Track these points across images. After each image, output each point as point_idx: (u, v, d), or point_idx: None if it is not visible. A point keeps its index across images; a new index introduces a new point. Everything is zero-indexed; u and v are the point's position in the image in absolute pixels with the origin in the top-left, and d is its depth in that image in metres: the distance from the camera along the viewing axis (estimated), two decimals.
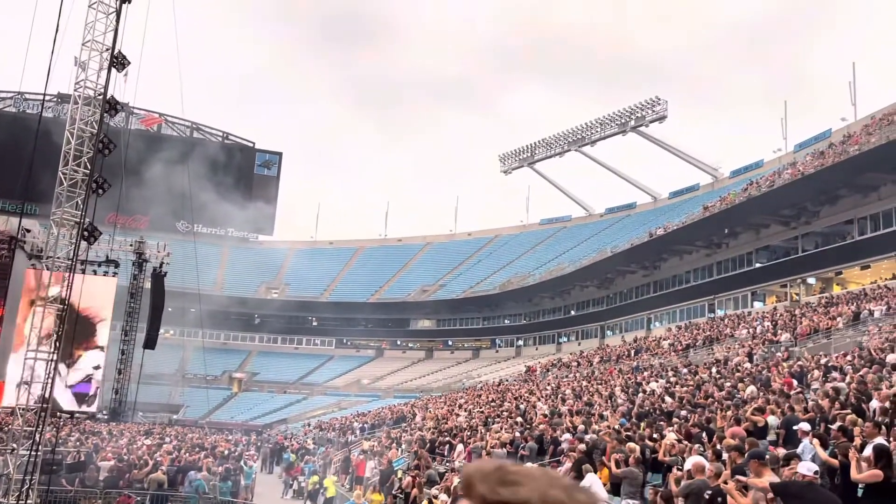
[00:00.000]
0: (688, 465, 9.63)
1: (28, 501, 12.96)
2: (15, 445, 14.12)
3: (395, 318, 72.01)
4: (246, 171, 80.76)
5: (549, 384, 33.57)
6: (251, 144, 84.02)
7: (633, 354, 36.14)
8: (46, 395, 14.54)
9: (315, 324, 73.88)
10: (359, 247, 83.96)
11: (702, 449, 11.54)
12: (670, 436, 13.15)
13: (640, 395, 20.72)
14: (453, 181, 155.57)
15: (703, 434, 13.09)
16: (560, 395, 26.49)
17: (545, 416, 21.02)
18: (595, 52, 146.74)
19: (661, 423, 14.97)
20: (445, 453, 21.75)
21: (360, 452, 25.94)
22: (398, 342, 73.39)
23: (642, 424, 15.38)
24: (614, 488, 12.34)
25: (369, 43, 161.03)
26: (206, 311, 57.94)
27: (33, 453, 13.43)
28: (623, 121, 68.35)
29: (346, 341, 74.10)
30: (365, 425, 36.01)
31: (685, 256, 47.89)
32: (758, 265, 42.66)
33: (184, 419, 52.88)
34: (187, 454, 22.59)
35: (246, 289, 72.88)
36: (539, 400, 26.56)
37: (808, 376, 16.86)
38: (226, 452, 24.99)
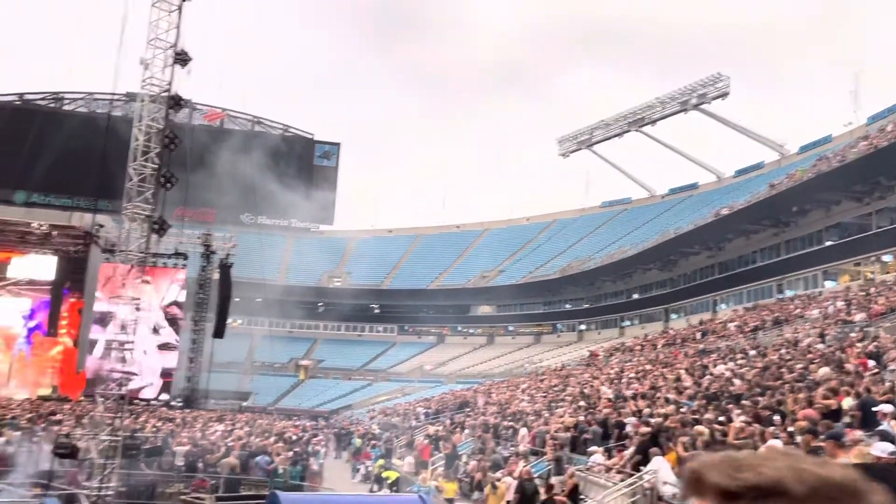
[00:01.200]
0: (761, 448, 9.44)
1: (110, 484, 13.52)
2: (97, 431, 14.73)
3: (456, 305, 72.26)
4: (306, 163, 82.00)
5: (612, 368, 33.26)
6: (310, 136, 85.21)
7: (699, 337, 35.48)
8: (124, 384, 15.12)
9: (377, 311, 74.73)
10: (418, 234, 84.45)
11: (776, 432, 11.29)
12: (739, 419, 12.90)
13: (707, 377, 20.34)
14: (511, 166, 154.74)
15: (775, 417, 12.79)
16: (624, 379, 26.22)
17: (609, 400, 20.86)
18: (653, 29, 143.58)
19: (729, 406, 14.68)
20: (509, 437, 21.83)
21: (425, 437, 26.21)
22: (459, 328, 73.67)
23: (710, 407, 15.12)
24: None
25: (423, 32, 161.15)
26: (271, 300, 59.32)
27: (114, 439, 13.99)
28: (684, 99, 66.78)
29: (408, 328, 74.76)
30: (428, 410, 36.35)
31: (752, 236, 46.61)
32: (828, 243, 41.22)
33: (253, 406, 54.33)
34: (257, 439, 23.21)
35: (309, 278, 74.15)
36: (602, 384, 26.36)
37: (885, 357, 16.26)
38: (294, 438, 25.60)
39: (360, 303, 72.44)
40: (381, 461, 24.76)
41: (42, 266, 45.23)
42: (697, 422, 13.37)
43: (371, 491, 22.14)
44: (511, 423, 23.02)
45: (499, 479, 14.99)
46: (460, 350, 68.68)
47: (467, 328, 73.62)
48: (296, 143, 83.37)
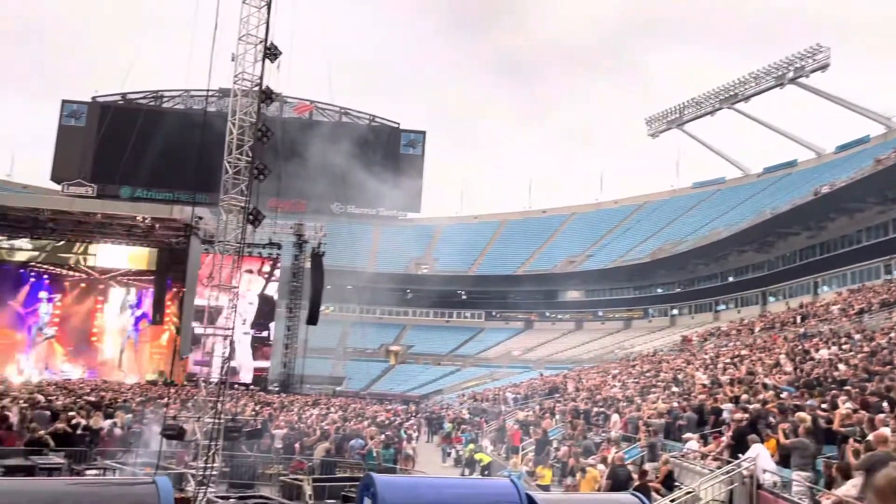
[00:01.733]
0: (870, 436, 8.99)
1: (214, 465, 14.13)
2: (200, 414, 15.41)
3: (543, 290, 71.82)
4: (392, 152, 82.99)
5: (706, 353, 32.34)
6: (396, 125, 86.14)
7: (799, 321, 34.04)
8: (225, 368, 15.75)
9: (464, 297, 75.14)
10: (503, 220, 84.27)
11: (886, 419, 10.73)
12: (845, 405, 12.34)
13: (809, 363, 19.51)
14: (597, 149, 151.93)
15: (884, 403, 12.16)
16: (719, 365, 25.47)
17: (704, 385, 20.31)
18: (744, 2, 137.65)
19: (833, 391, 14.04)
20: (600, 423, 21.60)
21: (515, 422, 26.23)
22: (547, 314, 73.24)
23: (812, 393, 14.52)
24: (783, 460, 11.77)
25: (506, 16, 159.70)
26: (361, 287, 60.54)
27: (216, 422, 14.59)
28: (780, 73, 63.84)
29: (495, 314, 74.86)
30: (518, 396, 36.33)
31: (856, 215, 44.25)
32: None
33: (346, 390, 55.68)
34: (351, 423, 23.78)
35: (397, 265, 75.21)
36: (697, 370, 25.68)
37: None
38: (386, 422, 26.09)
39: (448, 289, 72.96)
40: (471, 445, 24.94)
41: (146, 257, 47.54)
42: (799, 408, 12.87)
43: (462, 475, 22.36)
44: (602, 409, 22.76)
45: (591, 465, 14.86)
46: (548, 336, 68.28)
47: (555, 314, 73.09)
48: (382, 132, 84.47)
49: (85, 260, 48.36)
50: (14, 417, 18.99)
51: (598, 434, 20.00)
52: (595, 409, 23.26)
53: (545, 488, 16.17)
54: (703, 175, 75.96)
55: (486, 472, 21.57)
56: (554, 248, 75.19)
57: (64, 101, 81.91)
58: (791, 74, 62.97)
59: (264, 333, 46.71)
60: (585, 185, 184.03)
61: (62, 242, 47.25)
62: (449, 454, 28.48)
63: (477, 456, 23.13)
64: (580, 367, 47.94)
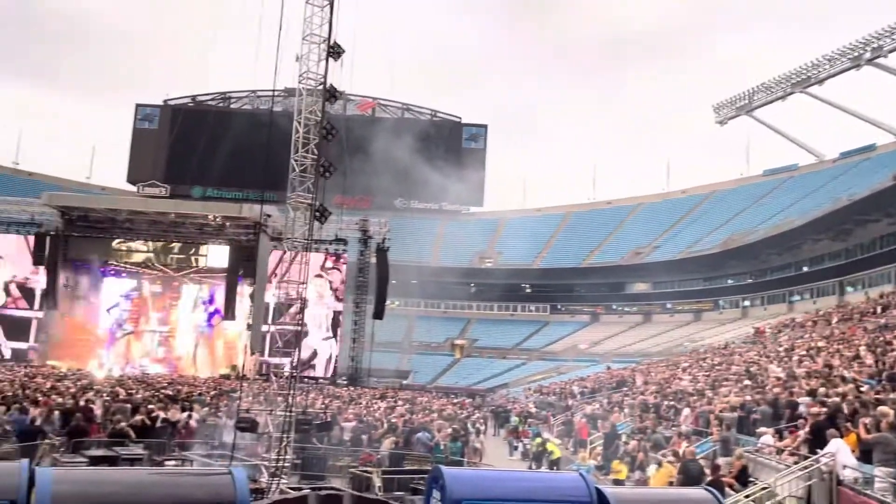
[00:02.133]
0: None
1: (286, 456, 14.45)
2: (272, 408, 15.78)
3: (610, 283, 70.88)
4: (454, 146, 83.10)
5: (780, 345, 31.37)
6: (458, 119, 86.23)
7: (879, 311, 32.68)
8: (294, 362, 16.08)
9: (529, 291, 74.78)
10: (567, 212, 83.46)
11: None
12: None
13: (891, 355, 18.72)
14: (663, 138, 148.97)
15: None
16: (794, 357, 24.68)
17: (778, 378, 19.72)
18: None
19: None
20: (670, 417, 21.22)
21: (582, 416, 26.00)
22: (613, 306, 72.27)
23: None
24: (864, 455, 11.35)
25: (565, 6, 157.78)
26: (426, 281, 60.93)
27: (287, 414, 14.92)
28: (856, 54, 61.21)
29: (561, 307, 74.27)
30: (584, 389, 36.02)
31: None
32: None
33: (412, 384, 56.14)
34: (418, 416, 23.98)
35: (461, 259, 75.37)
36: (771, 362, 24.95)
37: None
38: (453, 415, 26.20)
39: (512, 282, 72.70)
40: (538, 439, 24.82)
41: (218, 255, 48.88)
42: (881, 402, 12.37)
43: (530, 468, 22.30)
44: (672, 403, 22.36)
45: (663, 459, 14.63)
46: (615, 329, 67.39)
47: (622, 306, 72.06)
48: (444, 127, 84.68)
49: (196, 261, 49.95)
50: (98, 410, 19.83)
51: (668, 428, 19.65)
52: (665, 403, 22.87)
53: (619, 483, 15.96)
54: (775, 162, 73.65)
55: (554, 467, 21.44)
56: (620, 239, 74.09)
57: (138, 105, 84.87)
58: (868, 55, 60.31)
59: (331, 327, 47.59)
60: (651, 175, 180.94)
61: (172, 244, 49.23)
62: (516, 448, 28.43)
63: (549, 447, 22.97)
64: (648, 360, 47.15)
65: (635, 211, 79.51)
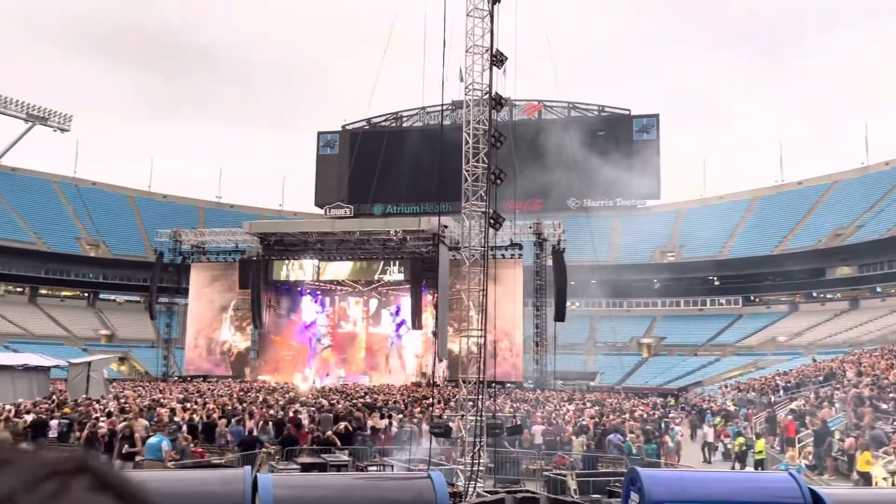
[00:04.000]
0: None
1: (481, 460, 14.76)
2: (463, 413, 16.19)
3: (808, 269, 65.71)
4: (625, 140, 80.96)
5: None
6: (626, 112, 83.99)
7: None
8: (480, 368, 16.41)
9: (717, 283, 71.10)
10: (753, 197, 78.45)
11: None
12: None
13: None
14: (859, 108, 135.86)
15: None
16: None
17: None
18: None
19: None
20: (891, 411, 19.32)
21: (788, 413, 24.32)
22: (814, 294, 66.94)
23: None
24: None
25: None
26: (605, 280, 59.79)
27: (478, 419, 15.24)
28: None
29: (754, 298, 69.91)
30: (788, 384, 33.67)
31: None
32: None
33: (600, 385, 55.23)
34: (609, 418, 23.56)
35: (641, 255, 73.16)
36: None
37: None
38: (645, 415, 25.49)
39: (698, 275, 69.47)
40: (741, 438, 23.51)
41: (401, 268, 50.95)
42: None
43: (732, 469, 21.17)
44: (893, 396, 20.35)
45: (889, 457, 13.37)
46: (817, 318, 62.37)
47: (823, 293, 66.55)
48: (613, 121, 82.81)
49: (382, 275, 52.54)
50: (305, 420, 21.34)
51: (889, 423, 17.91)
52: (883, 396, 20.86)
53: (865, 476, 14.66)
54: None
55: (759, 467, 20.22)
56: (816, 221, 68.55)
57: (319, 133, 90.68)
58: None
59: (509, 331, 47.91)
60: (847, 149, 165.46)
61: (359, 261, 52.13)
62: (716, 448, 27.11)
63: (758, 446, 21.68)
64: (859, 350, 43.17)
65: (831, 189, 73.22)
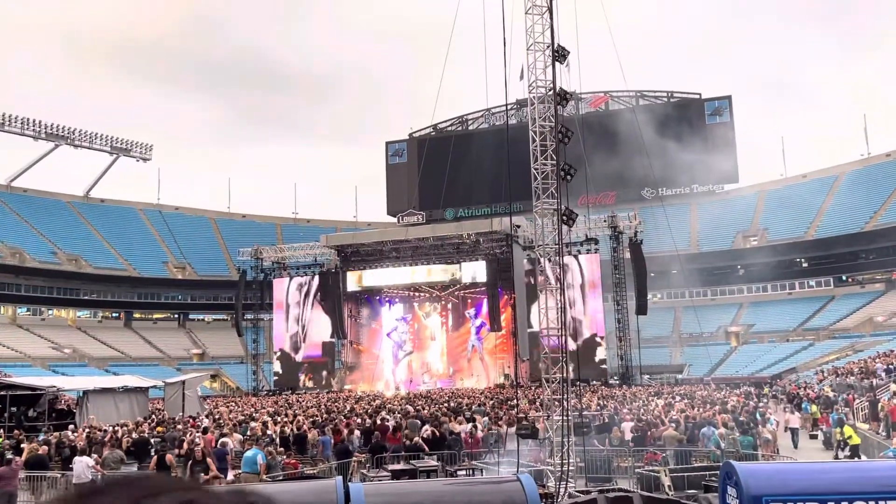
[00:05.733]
0: None
1: (570, 460, 14.59)
2: (549, 413, 16.04)
3: None
4: (697, 124, 78.88)
5: None
6: (697, 96, 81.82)
7: None
8: (562, 366, 16.22)
9: (805, 265, 68.35)
10: (838, 174, 75.10)
11: None
12: None
13: None
14: None
15: None
16: None
17: None
18: None
19: None
20: None
21: (892, 396, 23.15)
22: None
23: None
24: None
25: None
26: (687, 270, 58.28)
27: (565, 418, 15.06)
28: None
29: (846, 278, 66.89)
30: (890, 367, 32.03)
31: None
32: None
33: (689, 378, 53.84)
34: (700, 411, 22.92)
35: (722, 242, 71.08)
36: None
37: None
38: (738, 406, 24.70)
39: (784, 258, 66.95)
40: (843, 426, 22.51)
41: (477, 270, 50.98)
42: None
43: (836, 458, 20.28)
44: None
45: None
46: None
47: None
48: (683, 106, 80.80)
49: (459, 279, 52.89)
50: (392, 427, 21.54)
51: None
52: None
53: None
54: None
55: (855, 455, 19.31)
56: None
57: (387, 143, 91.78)
58: None
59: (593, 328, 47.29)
60: None
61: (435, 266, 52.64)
62: (815, 436, 26.04)
63: (846, 431, 20.77)
64: None
65: None
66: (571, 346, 33.96)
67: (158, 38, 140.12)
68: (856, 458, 19.18)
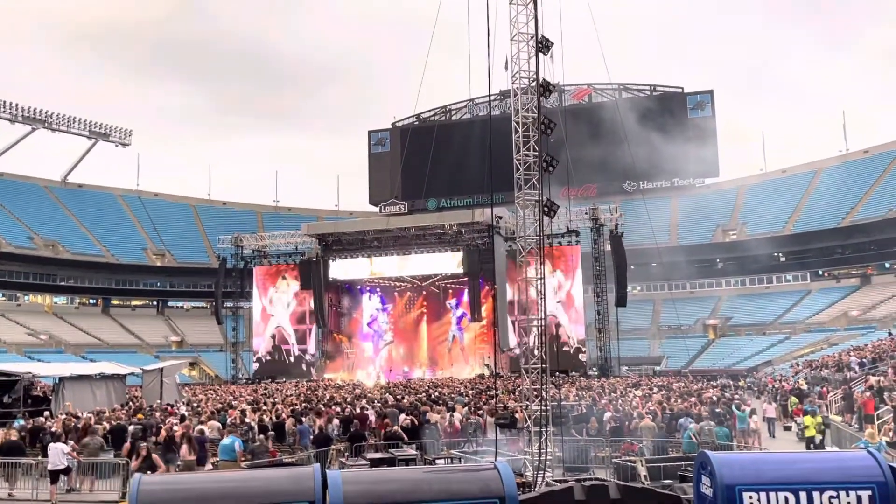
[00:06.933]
0: None
1: (548, 449, 14.67)
2: (527, 403, 16.13)
3: (878, 240, 63.28)
4: (679, 118, 79.31)
5: None
6: (679, 90, 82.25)
7: None
8: (544, 356, 16.30)
9: (783, 259, 69.13)
10: (816, 169, 75.91)
11: None
12: None
13: None
14: None
15: None
16: None
17: None
18: None
19: None
20: None
21: (866, 389, 23.53)
22: (886, 265, 64.50)
23: None
24: None
25: None
26: (666, 263, 58.73)
27: (543, 409, 15.15)
28: None
29: (823, 273, 67.75)
30: (864, 360, 32.53)
31: None
32: None
33: (666, 370, 54.36)
34: (677, 402, 23.16)
35: (702, 235, 71.69)
36: None
37: None
38: (715, 398, 24.97)
39: (762, 253, 67.63)
40: (817, 418, 22.84)
41: (458, 260, 50.99)
42: None
43: (807, 448, 20.60)
44: None
45: None
46: (891, 290, 60.07)
47: None
48: (666, 100, 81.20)
49: (440, 269, 52.78)
50: (372, 416, 21.60)
51: None
52: None
53: None
54: None
55: (811, 445, 19.63)
56: (884, 190, 65.98)
57: (370, 132, 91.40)
58: None
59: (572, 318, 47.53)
60: None
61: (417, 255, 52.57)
62: (789, 428, 26.43)
63: (806, 421, 21.09)
64: None
65: None
66: (552, 331, 34.14)
67: (138, 23, 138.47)
68: (810, 449, 19.61)
